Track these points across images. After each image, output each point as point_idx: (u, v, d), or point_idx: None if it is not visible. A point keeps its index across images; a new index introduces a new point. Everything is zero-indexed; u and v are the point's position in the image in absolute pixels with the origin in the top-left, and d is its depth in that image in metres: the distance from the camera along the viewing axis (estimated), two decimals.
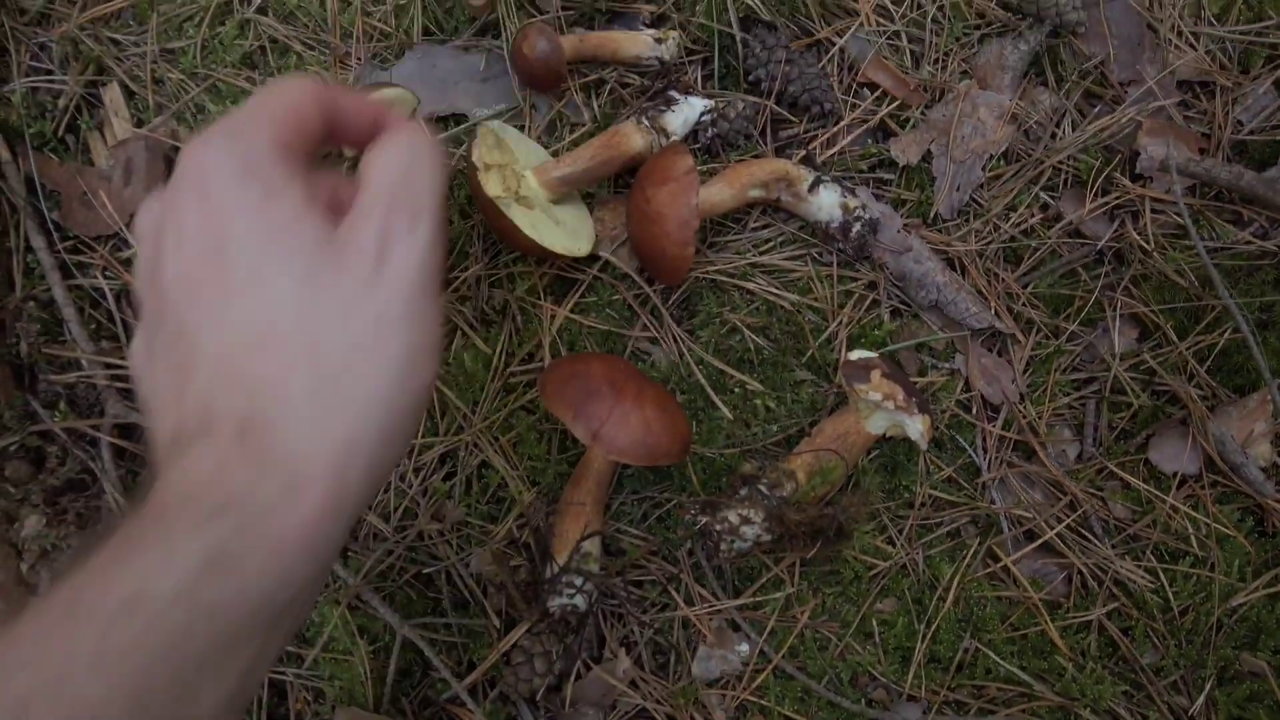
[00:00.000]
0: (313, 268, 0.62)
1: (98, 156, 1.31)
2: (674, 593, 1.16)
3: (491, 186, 1.19)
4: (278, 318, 0.61)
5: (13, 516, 1.07)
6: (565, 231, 1.23)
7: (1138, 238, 1.25)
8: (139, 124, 1.34)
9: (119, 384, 1.17)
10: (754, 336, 1.23)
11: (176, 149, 1.31)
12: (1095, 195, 1.30)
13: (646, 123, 1.29)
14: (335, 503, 0.59)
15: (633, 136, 1.27)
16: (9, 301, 1.19)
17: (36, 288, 1.22)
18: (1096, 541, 1.17)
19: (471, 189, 1.22)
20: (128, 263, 1.26)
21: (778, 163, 1.27)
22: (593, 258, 1.27)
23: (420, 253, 0.65)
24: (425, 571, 1.15)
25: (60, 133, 1.33)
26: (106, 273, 1.25)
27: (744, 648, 1.15)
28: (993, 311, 1.25)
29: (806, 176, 1.26)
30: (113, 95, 1.35)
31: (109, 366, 1.18)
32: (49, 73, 1.36)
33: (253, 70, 1.38)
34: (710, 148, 1.36)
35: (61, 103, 1.34)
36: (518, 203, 1.20)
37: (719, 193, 1.24)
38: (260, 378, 0.60)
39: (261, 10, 1.41)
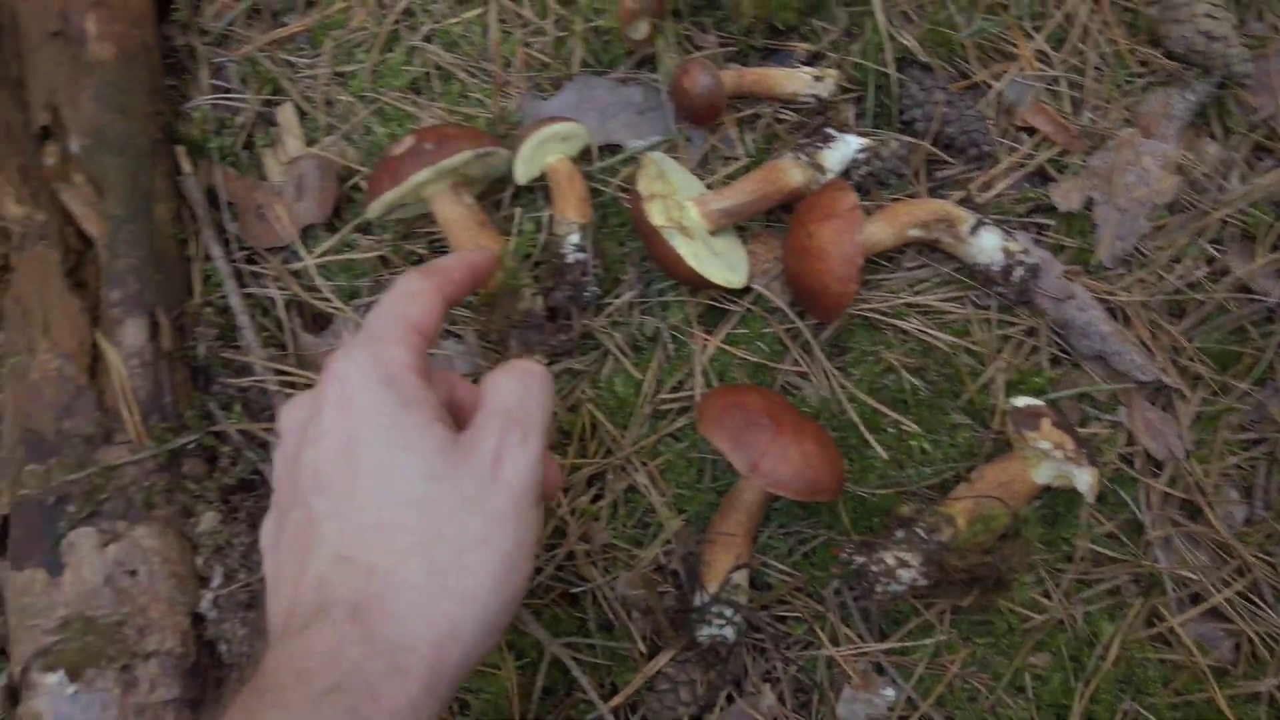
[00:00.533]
0: (436, 468, 0.69)
1: (271, 172, 1.37)
2: (819, 631, 1.15)
3: (655, 216, 1.20)
4: (399, 510, 0.68)
5: (190, 511, 1.11)
6: (723, 263, 1.24)
7: None
8: (310, 143, 1.40)
9: (288, 390, 1.21)
10: (909, 377, 1.22)
11: (346, 168, 1.36)
12: (1266, 251, 1.26)
13: (805, 159, 1.29)
14: (432, 685, 0.65)
15: (791, 171, 1.27)
16: (189, 306, 1.25)
17: (213, 294, 1.27)
18: (1268, 609, 1.13)
19: (634, 217, 1.24)
20: (297, 274, 1.31)
21: (939, 203, 1.26)
22: (745, 290, 1.28)
23: (530, 464, 0.74)
24: (573, 591, 1.16)
25: (238, 149, 1.39)
26: (278, 283, 1.30)
27: (890, 693, 1.13)
28: (1158, 365, 1.22)
29: (968, 218, 1.25)
30: (287, 115, 1.41)
31: (279, 372, 1.22)
32: (229, 91, 1.43)
33: (418, 95, 1.43)
34: (863, 185, 1.36)
35: (240, 120, 1.41)
36: (680, 233, 1.22)
37: (880, 231, 1.24)
38: (376, 565, 0.67)
39: (427, 38, 1.46)
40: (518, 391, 0.77)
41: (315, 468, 0.70)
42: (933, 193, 1.36)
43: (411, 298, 0.79)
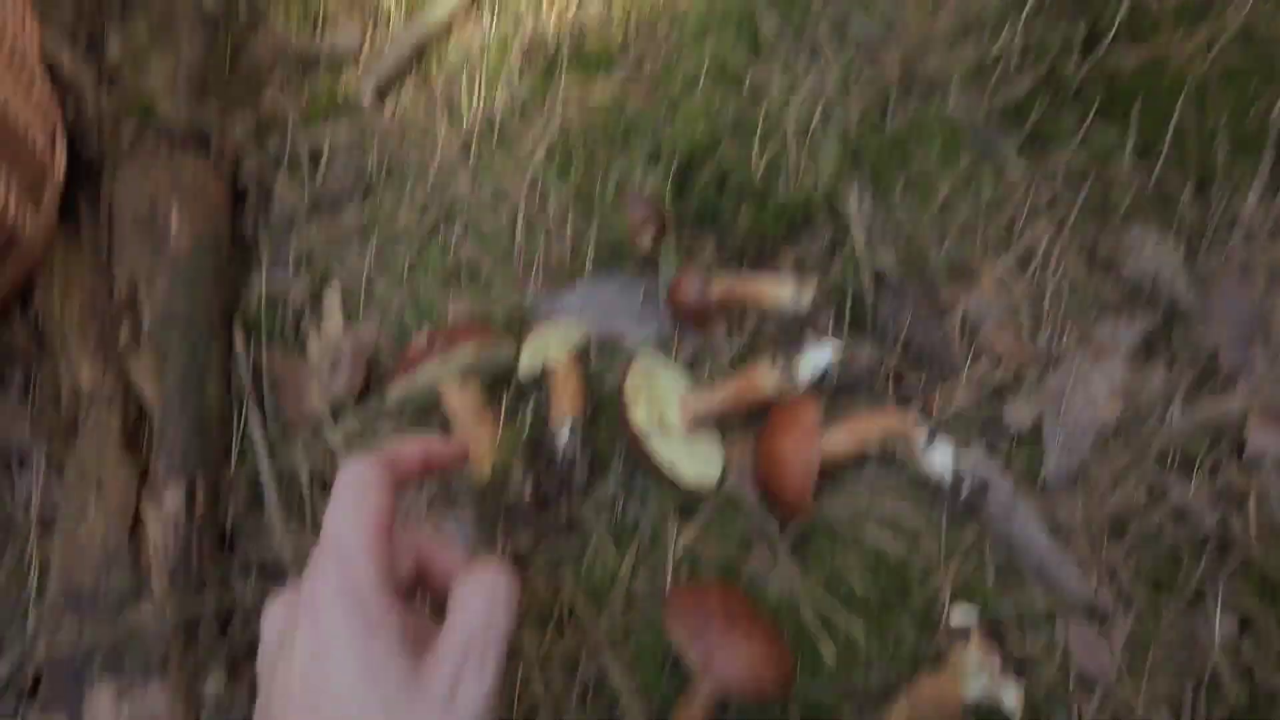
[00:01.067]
0: (395, 702, 0.75)
1: (312, 352, 1.56)
2: None
3: (637, 416, 1.36)
4: None
5: (200, 671, 1.25)
6: (698, 461, 1.38)
7: (1240, 528, 1.30)
8: (350, 327, 1.58)
9: (299, 562, 1.36)
10: (862, 581, 1.33)
11: (376, 352, 1.54)
12: (1202, 478, 1.37)
13: (780, 366, 1.44)
14: None
15: (766, 378, 1.42)
16: (225, 475, 1.41)
17: (247, 464, 1.44)
18: None
19: (620, 416, 1.39)
20: (325, 447, 1.47)
21: (896, 418, 1.39)
22: (720, 486, 1.41)
23: (487, 689, 0.79)
24: None
25: (286, 329, 1.58)
26: (306, 454, 1.46)
27: None
28: (1095, 584, 1.31)
29: (923, 432, 1.38)
30: (331, 300, 1.61)
31: (295, 544, 1.37)
32: (285, 277, 1.63)
33: (447, 286, 1.62)
34: (837, 392, 1.50)
35: (291, 303, 1.60)
36: (659, 432, 1.36)
37: (840, 441, 1.37)
38: None
39: (463, 235, 1.66)
40: (483, 613, 0.82)
41: (286, 688, 0.77)
42: (899, 402, 1.49)
43: (366, 491, 0.83)
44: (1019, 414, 1.44)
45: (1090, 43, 1.66)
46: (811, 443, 1.30)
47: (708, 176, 1.63)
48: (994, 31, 1.69)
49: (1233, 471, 1.37)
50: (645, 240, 1.57)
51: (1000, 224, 1.59)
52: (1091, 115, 1.63)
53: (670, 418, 1.40)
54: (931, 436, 1.38)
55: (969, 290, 1.55)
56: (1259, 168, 1.57)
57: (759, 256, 1.62)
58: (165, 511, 1.35)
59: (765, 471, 1.34)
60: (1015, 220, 1.59)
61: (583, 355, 1.52)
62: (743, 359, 1.53)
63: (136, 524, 1.35)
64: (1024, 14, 1.68)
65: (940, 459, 1.36)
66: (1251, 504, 1.33)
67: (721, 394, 1.41)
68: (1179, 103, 1.60)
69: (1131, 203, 1.58)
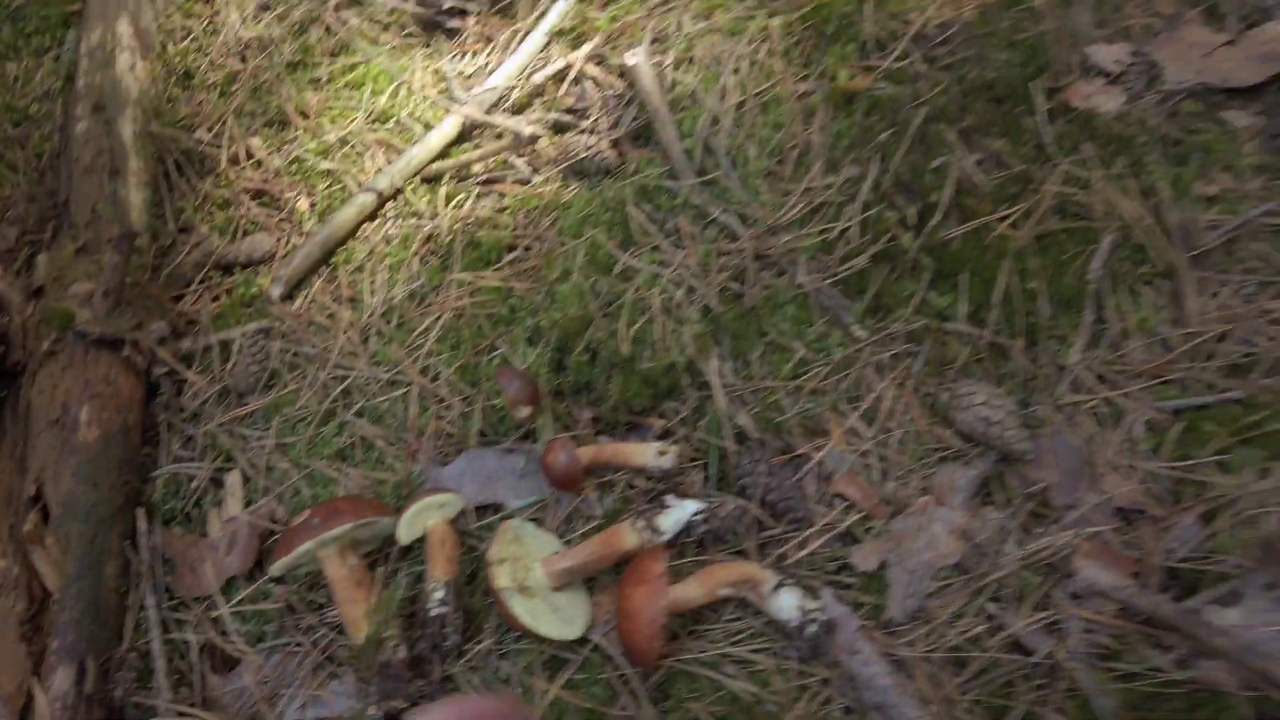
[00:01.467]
0: None
1: (212, 530, 1.66)
2: None
3: (499, 579, 1.45)
4: None
5: None
6: (560, 618, 1.47)
7: (1066, 655, 1.38)
8: (249, 504, 1.70)
9: None
10: None
11: (268, 529, 1.65)
12: (1034, 610, 1.46)
13: (642, 523, 1.55)
14: None
15: (626, 536, 1.53)
16: (117, 651, 1.49)
17: (140, 639, 1.52)
18: None
19: (486, 580, 1.48)
20: (215, 621, 1.56)
21: (745, 566, 1.49)
22: (585, 639, 1.49)
23: None
24: None
25: (189, 509, 1.70)
26: (196, 629, 1.54)
27: None
28: (933, 717, 1.38)
29: (770, 579, 1.48)
30: (233, 480, 1.73)
31: (180, 714, 1.44)
32: (190, 460, 1.76)
33: (343, 462, 1.75)
34: (703, 542, 1.61)
35: (195, 485, 1.72)
36: (520, 593, 1.46)
37: (691, 590, 1.47)
38: None
39: (359, 414, 1.80)
40: None
41: None
42: (760, 549, 1.60)
43: None
44: (865, 557, 1.54)
45: (922, 219, 1.86)
46: (658, 595, 1.39)
47: (582, 352, 1.79)
48: (837, 213, 1.90)
49: (1062, 603, 1.46)
50: (523, 413, 1.71)
51: (849, 382, 1.74)
52: (927, 283, 1.81)
53: (534, 578, 1.50)
54: (780, 583, 1.47)
55: (821, 444, 1.69)
56: (1080, 322, 1.74)
57: (630, 422, 1.76)
58: (54, 692, 1.42)
59: (619, 622, 1.42)
60: (862, 379, 1.74)
61: (460, 522, 1.63)
62: (612, 518, 1.64)
63: (28, 704, 1.42)
64: (862, 198, 1.89)
65: (787, 604, 1.45)
66: (1077, 632, 1.41)
67: (583, 553, 1.52)
68: (1004, 268, 1.78)
69: (967, 359, 1.74)
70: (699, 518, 1.59)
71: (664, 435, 1.73)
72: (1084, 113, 1.96)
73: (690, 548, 1.60)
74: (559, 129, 2.23)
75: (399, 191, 2.13)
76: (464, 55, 2.43)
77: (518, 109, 2.28)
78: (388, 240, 2.08)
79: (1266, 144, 1.95)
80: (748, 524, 1.62)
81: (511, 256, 2.01)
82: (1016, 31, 2.06)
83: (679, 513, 1.57)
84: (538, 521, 1.65)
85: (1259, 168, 1.90)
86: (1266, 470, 1.51)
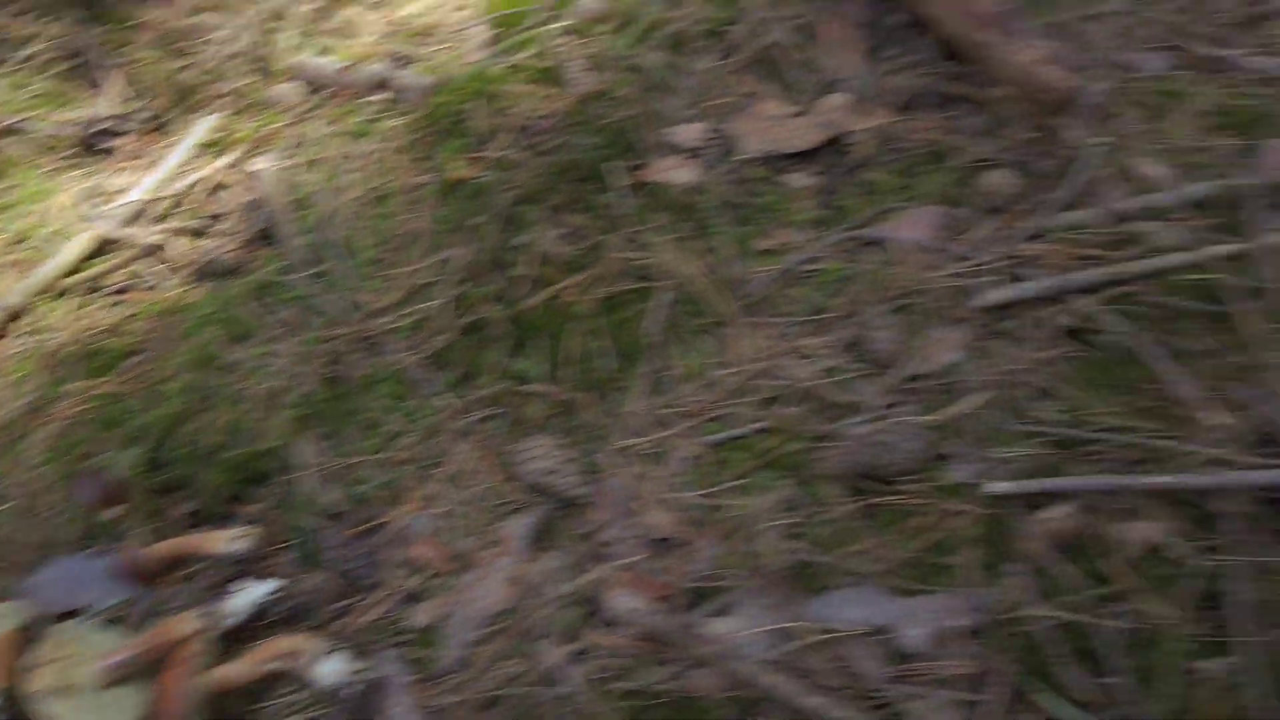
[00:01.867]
0: None
1: None
2: None
3: (38, 681, 1.47)
4: None
5: None
6: (102, 716, 1.49)
7: (582, 681, 1.49)
8: None
9: None
10: None
11: None
12: (564, 643, 1.57)
13: (204, 610, 1.60)
14: None
15: (183, 625, 1.57)
16: None
17: None
18: None
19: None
20: None
21: (292, 639, 1.56)
22: None
23: None
24: None
25: None
26: None
27: None
28: None
29: (319, 648, 1.54)
30: None
31: None
32: None
33: None
34: (288, 620, 1.66)
35: None
36: (62, 693, 1.48)
37: (236, 669, 1.52)
38: None
39: None
40: None
41: None
42: (332, 622, 1.66)
43: None
44: (419, 615, 1.63)
45: (507, 294, 2.02)
46: (188, 675, 1.44)
47: (180, 446, 1.85)
48: (432, 292, 2.04)
49: (593, 633, 1.58)
50: (110, 514, 1.75)
51: (435, 449, 1.85)
52: (509, 350, 1.95)
53: (83, 677, 1.52)
54: (331, 649, 1.54)
55: (403, 511, 1.78)
56: (638, 372, 1.91)
57: (226, 512, 1.82)
58: None
59: (152, 707, 1.46)
60: (445, 445, 1.86)
61: (29, 630, 1.64)
62: (189, 608, 1.68)
63: None
64: (457, 276, 2.04)
65: (330, 670, 1.52)
66: (594, 659, 1.53)
67: (136, 647, 1.55)
68: (574, 330, 1.94)
69: (544, 416, 1.88)
70: (274, 597, 1.65)
71: (254, 520, 1.79)
72: (659, 186, 2.17)
73: (266, 629, 1.65)
74: (197, 234, 2.32)
75: (27, 309, 2.17)
76: (116, 173, 2.50)
77: (160, 219, 2.36)
78: (15, 357, 2.11)
79: (822, 200, 2.19)
80: (328, 597, 1.69)
81: (134, 361, 2.06)
82: (603, 118, 2.27)
83: (246, 596, 1.63)
84: (118, 620, 1.67)
85: (815, 221, 2.14)
86: (771, 489, 1.68)
